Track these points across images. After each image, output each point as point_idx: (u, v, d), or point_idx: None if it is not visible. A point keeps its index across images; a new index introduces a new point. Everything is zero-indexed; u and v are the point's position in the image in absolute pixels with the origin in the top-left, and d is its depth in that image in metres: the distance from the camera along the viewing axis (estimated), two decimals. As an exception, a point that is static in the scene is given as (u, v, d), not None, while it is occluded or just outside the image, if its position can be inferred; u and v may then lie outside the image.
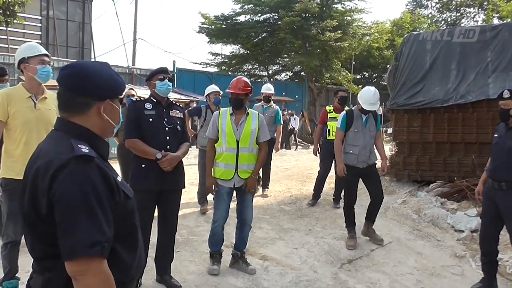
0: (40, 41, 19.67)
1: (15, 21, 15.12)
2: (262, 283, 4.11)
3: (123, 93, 1.75)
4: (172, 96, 16.17)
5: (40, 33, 20.29)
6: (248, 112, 4.25)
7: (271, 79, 27.51)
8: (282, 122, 7.99)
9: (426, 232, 5.76)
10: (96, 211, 1.40)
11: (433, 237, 5.56)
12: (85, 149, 1.47)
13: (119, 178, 1.60)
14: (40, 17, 20.21)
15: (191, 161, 10.32)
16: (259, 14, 25.97)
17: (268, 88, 7.81)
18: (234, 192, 4.30)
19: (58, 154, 1.44)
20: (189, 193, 7.17)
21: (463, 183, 6.72)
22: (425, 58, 7.84)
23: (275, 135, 7.53)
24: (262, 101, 7.69)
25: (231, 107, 4.25)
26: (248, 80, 4.35)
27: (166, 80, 3.71)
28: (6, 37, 17.59)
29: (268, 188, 7.84)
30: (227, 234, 4.52)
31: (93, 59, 21.20)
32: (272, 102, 7.73)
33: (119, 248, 1.51)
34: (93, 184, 1.43)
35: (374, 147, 5.31)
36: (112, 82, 1.63)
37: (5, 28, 16.58)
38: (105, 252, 1.40)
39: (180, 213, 4.09)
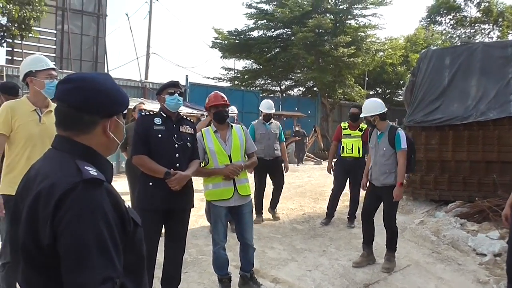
0: (54, 55, 19.85)
1: (30, 35, 15.25)
2: (274, 309, 3.90)
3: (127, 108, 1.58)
4: (184, 110, 16.10)
5: (54, 47, 20.45)
6: (231, 125, 4.14)
7: (284, 94, 27.46)
8: (285, 139, 7.46)
9: (446, 255, 5.50)
10: (107, 243, 1.23)
11: (453, 261, 5.29)
12: (93, 171, 1.30)
13: (126, 204, 1.43)
14: (55, 31, 20.37)
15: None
16: (272, 30, 26.08)
17: (268, 107, 7.02)
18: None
19: (63, 177, 1.27)
20: (199, 209, 7.00)
21: (485, 203, 6.45)
22: (444, 74, 7.65)
23: (280, 153, 7.00)
24: (262, 118, 7.04)
25: (212, 125, 4.13)
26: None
27: (176, 94, 3.55)
28: (21, 50, 17.74)
29: (276, 210, 7.26)
30: (237, 254, 4.32)
31: (106, 73, 21.23)
32: (272, 119, 7.10)
33: (126, 281, 1.33)
34: (103, 212, 1.25)
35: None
36: (118, 96, 1.47)
37: (20, 42, 16.73)
38: None
39: (189, 231, 3.90)
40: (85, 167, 1.30)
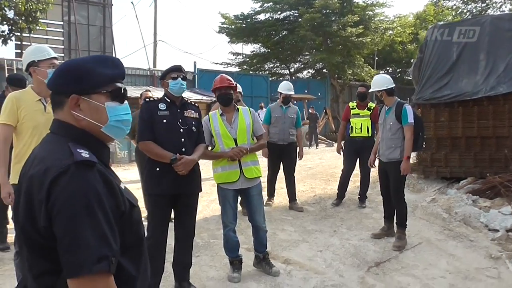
0: (62, 47, 19.90)
1: (37, 28, 15.29)
2: (285, 289, 3.93)
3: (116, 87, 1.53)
4: (193, 97, 16.11)
5: (62, 38, 20.49)
6: (238, 108, 4.13)
7: (293, 77, 27.30)
8: (302, 125, 7.24)
9: (457, 232, 5.47)
10: (101, 223, 1.24)
11: (465, 237, 5.27)
12: (85, 153, 1.32)
13: (123, 185, 1.44)
14: (62, 23, 20.39)
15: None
16: (279, 12, 25.86)
17: (288, 88, 6.69)
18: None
19: (56, 161, 1.29)
20: (211, 194, 7.04)
21: (496, 179, 6.39)
22: (452, 49, 7.53)
23: (296, 139, 6.75)
24: (280, 101, 6.72)
25: (219, 108, 4.12)
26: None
27: (180, 78, 3.54)
28: (29, 43, 17.83)
29: (296, 200, 6.83)
30: (248, 237, 4.35)
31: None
32: (290, 102, 6.83)
33: (124, 261, 1.35)
34: (96, 192, 1.27)
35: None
36: (84, 75, 1.41)
37: (28, 35, 16.80)
38: (113, 267, 1.25)
39: (201, 215, 3.95)
40: (77, 149, 1.32)
